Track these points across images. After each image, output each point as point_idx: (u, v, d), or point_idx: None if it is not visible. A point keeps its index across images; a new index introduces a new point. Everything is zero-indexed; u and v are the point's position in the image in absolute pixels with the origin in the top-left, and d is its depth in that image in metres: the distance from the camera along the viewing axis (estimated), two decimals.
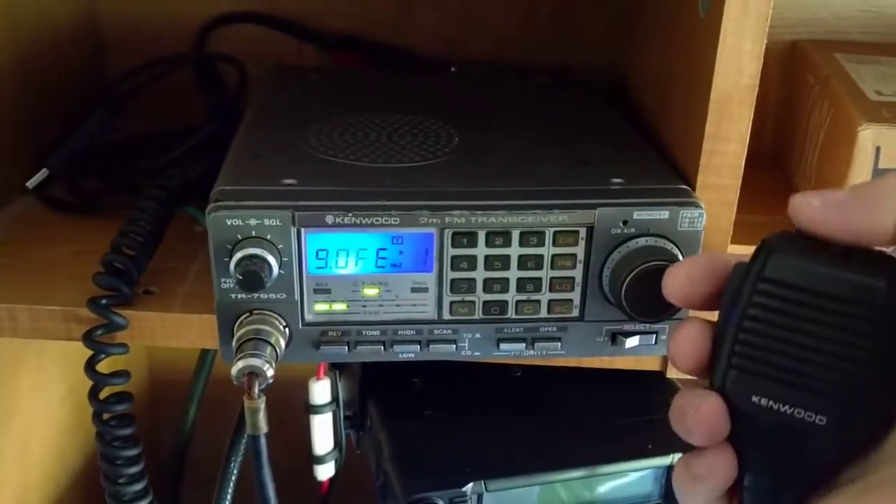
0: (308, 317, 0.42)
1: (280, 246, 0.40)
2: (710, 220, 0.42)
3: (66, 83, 0.65)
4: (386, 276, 0.42)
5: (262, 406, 0.40)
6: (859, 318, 0.28)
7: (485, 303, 0.43)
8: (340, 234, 0.41)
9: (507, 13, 0.68)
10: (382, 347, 0.43)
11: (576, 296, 0.43)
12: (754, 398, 0.30)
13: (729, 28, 0.40)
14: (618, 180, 0.43)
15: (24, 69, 0.59)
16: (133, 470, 0.49)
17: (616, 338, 0.44)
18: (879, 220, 0.29)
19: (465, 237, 0.41)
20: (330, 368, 0.52)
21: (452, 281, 0.42)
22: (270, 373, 0.40)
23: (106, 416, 0.48)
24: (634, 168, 0.45)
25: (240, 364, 0.40)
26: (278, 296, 0.41)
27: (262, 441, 0.42)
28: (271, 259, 0.39)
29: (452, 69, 0.67)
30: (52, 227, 0.55)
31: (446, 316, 0.43)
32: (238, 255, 0.39)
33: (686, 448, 0.32)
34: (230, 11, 0.68)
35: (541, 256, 0.42)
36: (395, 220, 0.40)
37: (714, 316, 0.32)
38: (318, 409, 0.51)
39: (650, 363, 0.48)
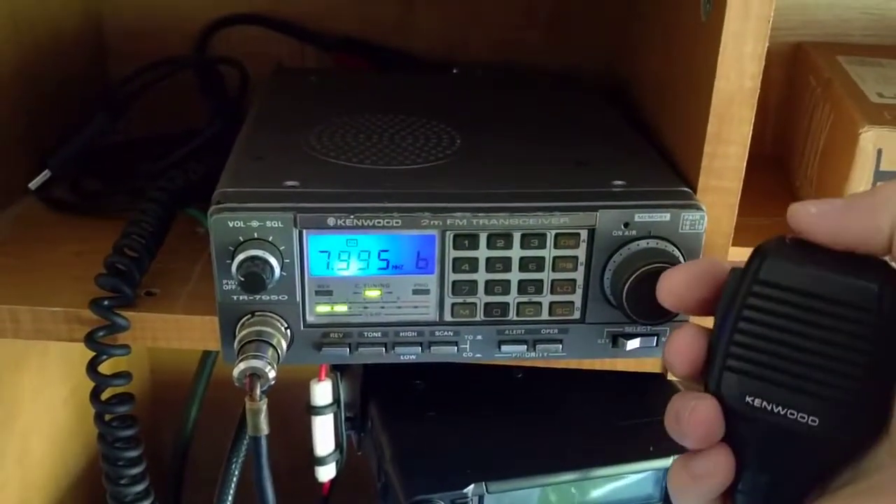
0: (310, 318, 0.42)
1: (282, 248, 0.40)
2: (712, 222, 0.42)
3: (69, 85, 0.65)
4: (387, 278, 0.42)
5: (264, 407, 0.40)
6: (851, 320, 0.29)
7: (486, 305, 0.43)
8: (342, 235, 0.41)
9: (507, 16, 0.69)
10: (384, 349, 0.43)
11: (577, 298, 0.43)
12: (748, 399, 0.30)
13: (730, 30, 0.40)
14: (619, 182, 0.43)
15: (27, 71, 0.59)
16: (134, 471, 0.49)
17: (617, 340, 0.44)
18: (875, 229, 0.29)
19: (466, 239, 0.41)
20: (331, 370, 0.52)
21: (454, 283, 0.42)
22: (272, 374, 0.40)
23: (107, 417, 0.48)
24: (636, 170, 0.45)
25: (241, 366, 0.40)
26: (280, 297, 0.41)
27: (263, 442, 0.42)
28: (273, 261, 0.40)
29: (454, 71, 0.67)
30: (55, 229, 0.55)
31: (448, 318, 0.43)
32: (240, 256, 0.39)
33: (685, 449, 0.32)
34: (232, 14, 0.68)
35: (542, 258, 0.42)
36: (397, 222, 0.40)
37: (710, 321, 0.32)
38: (319, 411, 0.51)
39: (651, 365, 0.48)
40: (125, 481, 0.49)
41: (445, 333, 0.43)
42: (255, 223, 0.40)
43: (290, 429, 0.53)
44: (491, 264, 0.42)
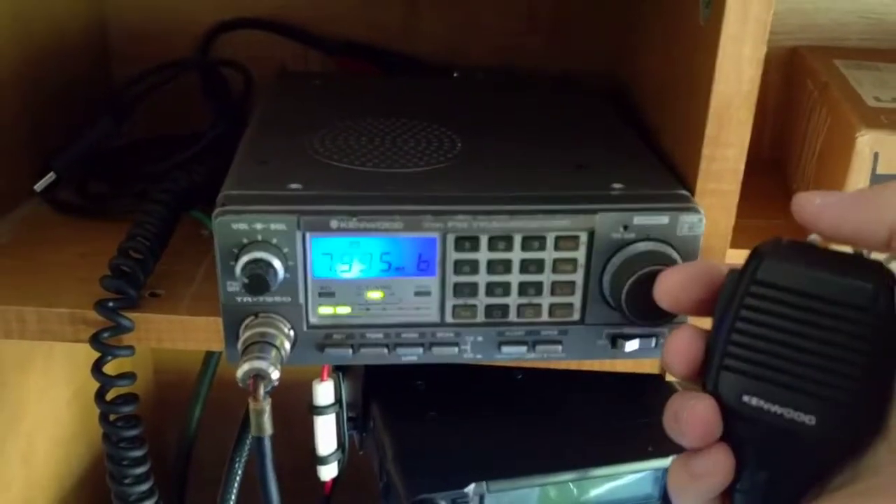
0: (313, 320, 0.43)
1: (285, 250, 0.41)
2: (710, 225, 0.43)
3: (73, 88, 0.65)
4: (389, 280, 0.42)
5: (268, 408, 0.41)
6: (848, 320, 0.29)
7: (487, 306, 0.43)
8: (345, 238, 0.41)
9: (508, 21, 0.69)
10: (386, 350, 0.44)
11: (576, 299, 0.43)
12: (745, 398, 0.31)
13: (729, 34, 0.40)
14: (618, 185, 0.44)
15: (32, 74, 0.60)
16: (139, 470, 0.49)
17: (616, 341, 0.44)
18: (875, 223, 0.29)
19: (467, 241, 0.42)
20: (334, 370, 0.52)
21: (455, 285, 0.43)
22: (276, 375, 0.40)
23: (112, 417, 0.48)
24: (635, 173, 0.45)
25: (245, 366, 0.40)
26: (283, 299, 0.42)
27: (267, 442, 0.43)
28: (277, 263, 0.40)
29: (455, 75, 0.67)
30: (60, 230, 0.56)
31: (449, 319, 0.43)
32: (244, 258, 0.40)
33: (684, 450, 0.33)
34: (236, 17, 0.69)
35: (542, 260, 0.42)
36: (399, 225, 0.41)
37: (708, 322, 0.33)
38: (321, 411, 0.52)
39: (650, 366, 0.48)
40: (129, 481, 0.49)
41: (447, 335, 0.44)
42: (258, 225, 0.40)
43: (293, 429, 0.53)
44: (492, 266, 0.42)
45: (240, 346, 0.41)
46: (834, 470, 0.30)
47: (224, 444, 0.55)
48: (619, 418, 0.53)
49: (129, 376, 0.48)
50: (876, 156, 0.49)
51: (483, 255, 0.42)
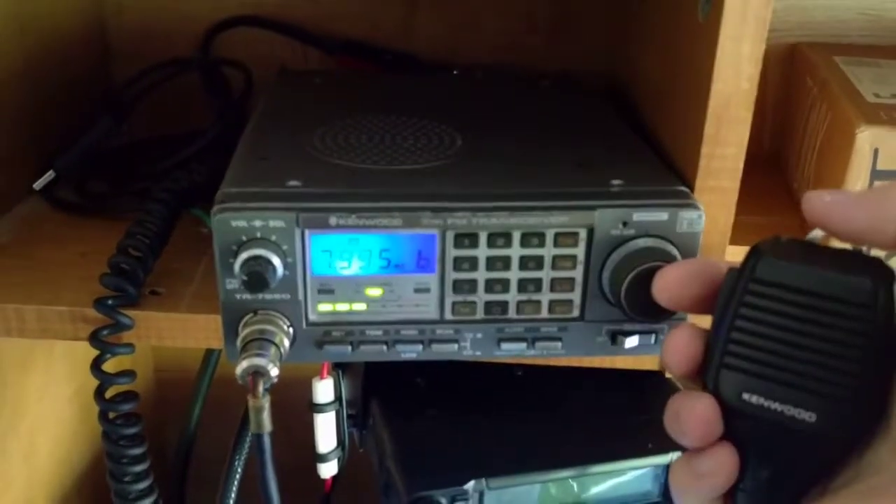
0: (312, 317, 0.43)
1: (284, 247, 0.41)
2: (709, 221, 0.43)
3: (74, 87, 0.65)
4: (389, 277, 0.42)
5: (267, 405, 0.41)
6: (847, 316, 0.29)
7: (486, 303, 0.43)
8: (344, 235, 0.41)
9: (508, 20, 0.69)
10: (385, 347, 0.44)
11: (576, 296, 0.43)
12: (745, 395, 0.31)
13: (728, 32, 0.40)
14: (617, 182, 0.44)
15: (32, 73, 0.60)
16: (138, 468, 0.49)
17: (616, 338, 0.44)
18: (883, 221, 0.30)
19: (466, 238, 0.42)
20: (333, 368, 0.52)
21: (454, 281, 0.43)
22: (275, 372, 0.40)
23: (112, 415, 0.48)
24: (634, 170, 0.45)
25: (244, 364, 0.40)
26: (282, 296, 0.42)
27: (266, 440, 0.43)
28: (276, 260, 0.40)
29: (454, 72, 0.67)
30: (60, 229, 0.56)
31: (448, 316, 0.43)
32: (243, 256, 0.40)
33: (684, 447, 0.33)
34: (236, 16, 0.69)
35: (541, 257, 0.42)
36: (398, 222, 0.41)
37: (707, 321, 0.33)
38: (321, 408, 0.52)
39: (649, 363, 0.48)
40: (129, 479, 0.49)
41: (446, 332, 0.44)
42: (257, 223, 0.40)
43: (293, 426, 0.53)
44: (491, 263, 0.42)
45: (239, 343, 0.41)
46: (836, 468, 0.30)
47: (224, 441, 0.55)
48: (619, 415, 0.53)
49: (128, 374, 0.48)
50: (876, 152, 0.49)
51: (482, 252, 0.42)
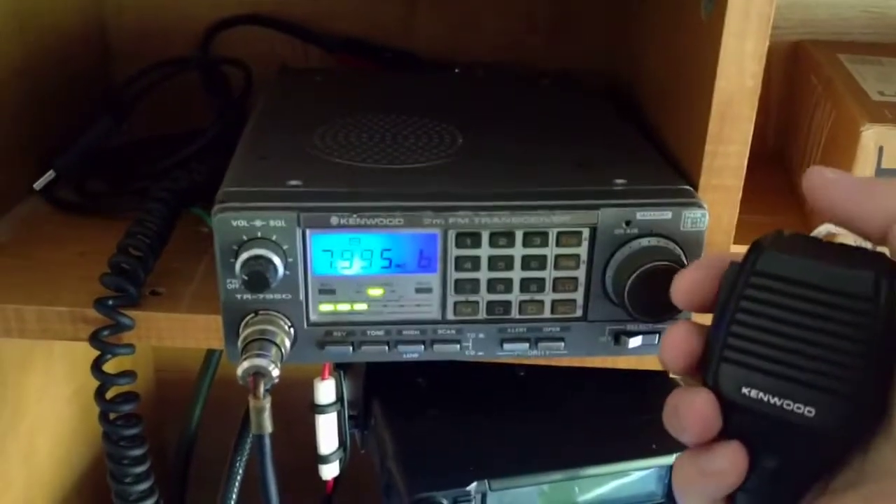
0: (313, 317, 0.43)
1: (285, 247, 0.40)
2: (713, 220, 0.42)
3: (73, 86, 0.65)
4: (390, 277, 0.42)
5: (268, 406, 0.41)
6: (847, 310, 0.29)
7: (489, 303, 0.43)
8: (345, 234, 0.41)
9: (508, 18, 0.69)
10: (387, 347, 0.43)
11: (579, 296, 0.43)
12: (744, 390, 0.30)
13: (731, 29, 0.40)
14: (620, 181, 0.44)
15: (32, 72, 0.59)
16: (139, 469, 0.49)
17: (619, 338, 0.44)
18: (875, 212, 0.30)
19: (468, 238, 0.41)
20: (335, 368, 0.52)
21: (456, 281, 0.42)
22: (276, 373, 0.40)
23: (112, 415, 0.48)
24: (637, 169, 0.45)
25: (245, 364, 0.40)
26: (283, 296, 0.42)
27: (267, 441, 0.42)
28: (276, 260, 0.40)
29: (455, 71, 0.67)
30: (60, 229, 0.55)
31: (450, 316, 0.43)
32: (243, 255, 0.40)
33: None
34: (235, 14, 0.69)
35: (544, 257, 0.42)
36: (400, 221, 0.41)
37: (706, 318, 0.32)
38: (322, 409, 0.52)
39: (653, 363, 0.48)
40: (130, 480, 0.49)
41: (448, 332, 0.43)
42: (258, 222, 0.40)
43: (294, 427, 0.53)
44: (493, 262, 0.42)
45: (240, 343, 0.41)
46: (836, 466, 0.30)
47: (225, 442, 0.55)
48: (623, 415, 0.52)
49: (129, 375, 0.47)
50: (881, 150, 0.49)
51: (484, 252, 0.42)
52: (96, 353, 0.46)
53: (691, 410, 0.31)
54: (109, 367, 0.47)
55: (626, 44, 0.64)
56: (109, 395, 0.48)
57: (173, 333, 0.47)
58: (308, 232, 0.41)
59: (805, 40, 0.64)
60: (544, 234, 0.42)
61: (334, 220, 0.40)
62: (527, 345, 0.44)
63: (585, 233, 0.42)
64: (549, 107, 0.58)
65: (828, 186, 0.31)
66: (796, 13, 0.64)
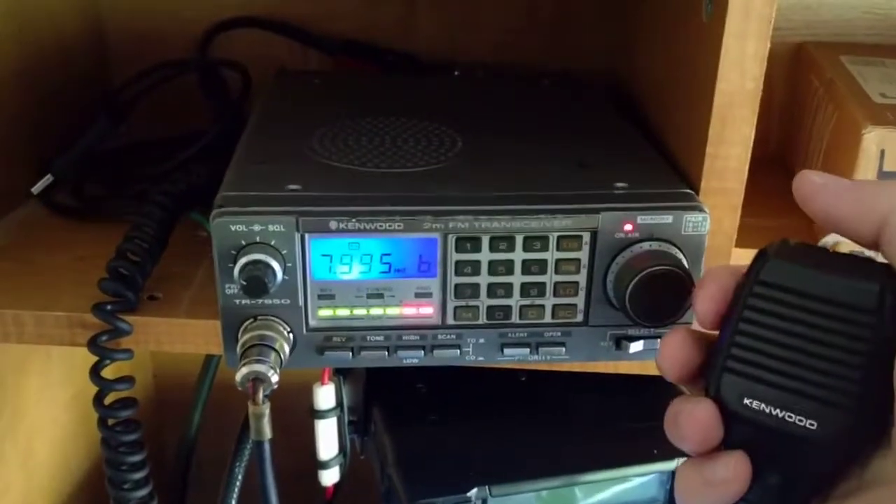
0: (312, 322, 0.42)
1: (284, 251, 0.40)
2: (715, 224, 0.42)
3: (71, 89, 0.65)
4: (390, 282, 0.42)
5: (267, 412, 0.40)
6: (851, 322, 0.29)
7: (489, 308, 0.43)
8: (344, 239, 0.41)
9: (508, 19, 0.68)
10: (386, 353, 0.43)
11: (580, 300, 0.43)
12: (746, 401, 0.30)
13: (731, 30, 0.40)
14: (621, 184, 0.43)
15: (29, 75, 0.59)
16: (138, 475, 0.49)
17: (620, 342, 0.44)
18: (865, 215, 0.29)
19: (468, 242, 0.41)
20: (334, 374, 0.52)
21: (456, 286, 0.42)
22: (275, 378, 0.40)
23: (111, 421, 0.48)
24: (638, 172, 0.45)
25: (244, 370, 0.40)
26: (282, 301, 0.41)
27: (266, 447, 0.42)
28: (275, 265, 0.39)
29: (455, 73, 0.67)
30: (57, 233, 0.55)
31: (450, 321, 0.43)
32: (242, 260, 0.39)
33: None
34: (234, 17, 0.68)
35: (544, 261, 0.42)
36: (399, 226, 0.40)
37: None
38: (322, 415, 0.51)
39: (655, 368, 0.47)
40: (128, 486, 0.49)
41: (448, 337, 0.43)
42: (257, 227, 0.40)
43: (294, 433, 0.53)
44: (493, 267, 0.42)
45: (238, 349, 0.41)
46: (837, 477, 0.29)
47: (224, 447, 0.55)
48: (624, 421, 0.52)
49: (127, 380, 0.47)
50: (882, 153, 0.48)
51: (484, 256, 0.41)
52: (94, 358, 0.46)
53: (692, 420, 0.31)
54: (108, 372, 0.47)
55: (627, 45, 0.63)
56: (108, 400, 0.47)
57: (172, 339, 0.46)
58: (307, 236, 0.40)
59: (807, 42, 0.63)
60: (545, 239, 0.41)
61: (333, 224, 0.40)
62: (527, 350, 0.43)
63: (586, 237, 0.41)
64: (550, 108, 0.58)
65: (817, 191, 0.31)
66: (798, 14, 0.64)
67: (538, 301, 0.43)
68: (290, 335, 0.42)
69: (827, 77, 0.56)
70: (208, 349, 0.47)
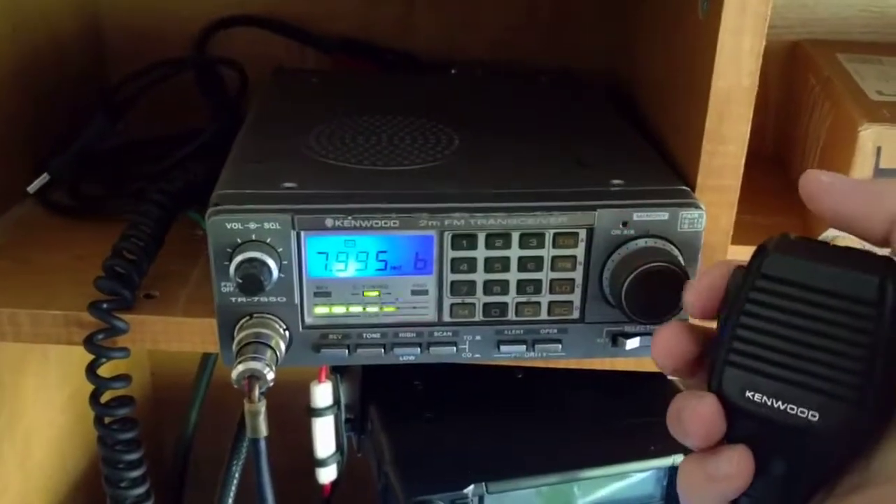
0: (308, 320, 0.42)
1: (280, 249, 0.40)
2: (711, 221, 0.42)
3: (68, 87, 0.65)
4: (386, 279, 0.42)
5: (263, 409, 0.40)
6: (852, 314, 0.29)
7: (485, 305, 0.43)
8: (340, 237, 0.41)
9: (507, 17, 0.68)
10: (383, 350, 0.43)
11: (576, 297, 0.43)
12: (748, 394, 0.30)
13: (727, 27, 0.40)
14: (617, 181, 0.43)
15: (26, 74, 0.59)
16: (135, 474, 0.49)
17: (616, 339, 0.44)
18: (875, 214, 0.30)
19: (464, 239, 0.41)
20: (331, 371, 0.52)
21: (452, 283, 0.42)
22: (271, 376, 0.40)
23: (108, 419, 0.48)
24: (634, 169, 0.45)
25: (240, 368, 0.40)
26: (278, 299, 0.41)
27: (263, 444, 0.42)
28: (271, 262, 0.39)
29: (453, 71, 0.67)
30: (54, 232, 0.55)
31: (446, 318, 0.43)
32: (238, 258, 0.39)
33: (687, 449, 0.32)
34: (231, 15, 0.68)
35: (541, 258, 0.42)
36: (395, 223, 0.40)
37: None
38: (319, 413, 0.51)
39: (651, 364, 0.47)
40: (126, 484, 0.49)
41: (444, 334, 0.43)
42: (252, 225, 0.40)
43: (291, 431, 0.53)
44: (489, 264, 0.42)
45: (234, 347, 0.41)
46: (840, 470, 0.29)
47: (222, 445, 0.55)
48: (621, 417, 0.52)
49: (124, 378, 0.47)
50: (878, 150, 0.48)
51: (480, 253, 0.41)
52: (91, 356, 0.46)
53: (695, 415, 0.31)
54: (104, 370, 0.46)
55: (625, 42, 0.63)
56: (104, 398, 0.47)
57: (168, 337, 0.46)
58: (303, 234, 0.40)
59: (804, 40, 0.63)
60: (541, 236, 0.41)
61: (329, 222, 0.40)
62: (524, 347, 0.44)
63: (582, 234, 0.41)
64: (547, 106, 0.58)
65: (825, 190, 0.31)
66: (795, 12, 0.64)
67: (534, 298, 0.43)
68: (287, 333, 0.42)
69: (823, 74, 0.56)
70: (205, 347, 0.47)
